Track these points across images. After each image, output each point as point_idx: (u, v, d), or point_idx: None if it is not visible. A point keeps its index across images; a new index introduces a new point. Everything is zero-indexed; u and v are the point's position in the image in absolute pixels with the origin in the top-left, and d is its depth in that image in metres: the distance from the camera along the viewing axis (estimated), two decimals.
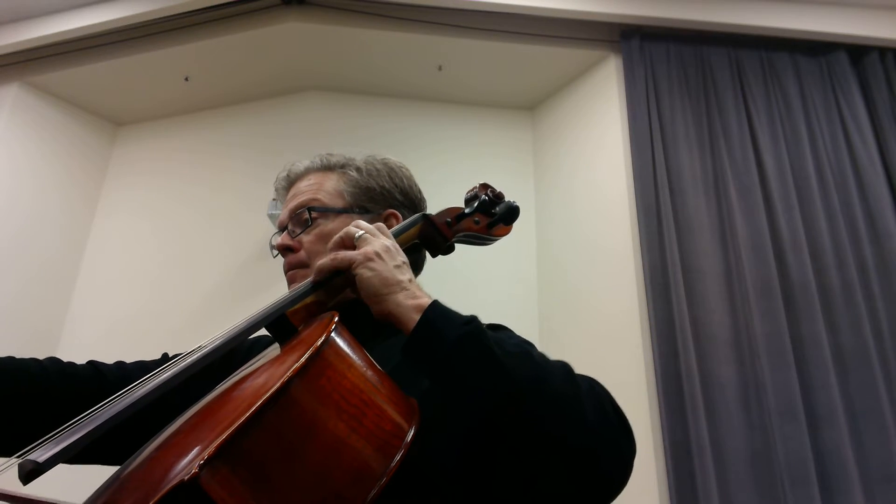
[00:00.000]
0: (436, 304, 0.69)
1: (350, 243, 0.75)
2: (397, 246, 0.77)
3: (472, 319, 0.67)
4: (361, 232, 0.75)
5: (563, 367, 0.67)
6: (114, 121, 2.93)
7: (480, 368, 0.63)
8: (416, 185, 1.01)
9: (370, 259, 0.71)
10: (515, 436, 0.61)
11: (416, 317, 0.67)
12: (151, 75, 2.66)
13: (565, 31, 2.51)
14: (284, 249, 0.92)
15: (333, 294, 0.77)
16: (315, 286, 0.75)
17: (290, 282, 0.90)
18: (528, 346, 0.74)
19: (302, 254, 0.90)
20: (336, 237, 0.77)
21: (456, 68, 2.66)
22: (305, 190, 0.95)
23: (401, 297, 0.69)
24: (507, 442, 0.62)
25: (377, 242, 0.74)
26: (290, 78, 2.74)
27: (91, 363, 0.89)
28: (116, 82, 2.68)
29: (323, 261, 0.74)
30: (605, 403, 0.65)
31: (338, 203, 0.93)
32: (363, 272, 0.70)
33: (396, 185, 0.97)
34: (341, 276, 0.74)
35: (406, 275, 0.72)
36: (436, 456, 0.65)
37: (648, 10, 2.44)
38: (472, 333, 0.65)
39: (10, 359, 0.81)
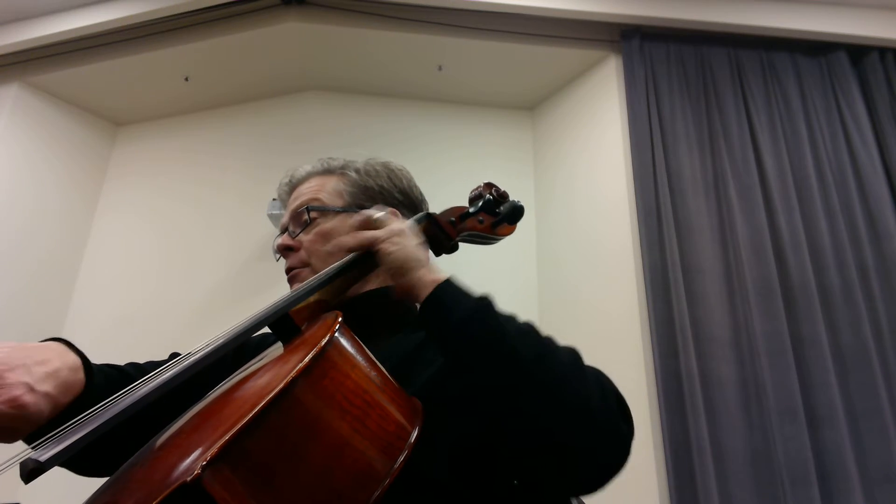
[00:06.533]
0: (450, 280, 0.72)
1: (370, 225, 0.78)
2: (414, 227, 0.80)
3: (484, 297, 0.70)
4: (381, 214, 0.78)
5: (571, 350, 0.69)
6: (114, 121, 2.92)
7: (487, 344, 0.65)
8: (416, 187, 1.02)
9: (395, 235, 0.75)
10: (518, 413, 0.62)
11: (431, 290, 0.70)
12: (151, 75, 2.66)
13: (565, 31, 2.51)
14: (285, 250, 0.93)
15: (346, 285, 0.78)
16: (340, 271, 0.76)
17: (292, 282, 0.91)
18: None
19: (302, 253, 0.91)
20: (357, 219, 0.79)
21: (456, 68, 2.66)
22: (306, 192, 0.97)
23: (422, 273, 0.72)
24: (508, 421, 0.62)
25: (397, 223, 0.78)
26: (290, 78, 2.74)
27: (133, 365, 0.86)
28: (116, 82, 2.68)
29: (345, 238, 0.77)
30: (606, 390, 0.66)
31: (337, 202, 0.95)
32: (388, 247, 0.74)
33: (395, 185, 0.99)
34: (360, 263, 0.76)
35: (426, 254, 0.77)
36: (437, 453, 0.65)
37: (648, 10, 2.43)
38: (481, 309, 0.67)
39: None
